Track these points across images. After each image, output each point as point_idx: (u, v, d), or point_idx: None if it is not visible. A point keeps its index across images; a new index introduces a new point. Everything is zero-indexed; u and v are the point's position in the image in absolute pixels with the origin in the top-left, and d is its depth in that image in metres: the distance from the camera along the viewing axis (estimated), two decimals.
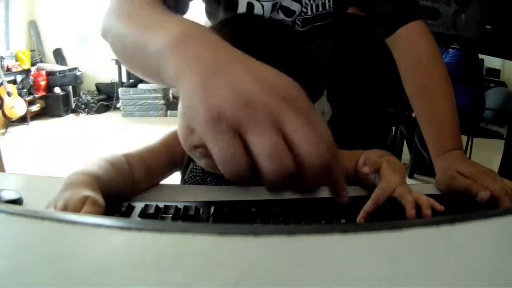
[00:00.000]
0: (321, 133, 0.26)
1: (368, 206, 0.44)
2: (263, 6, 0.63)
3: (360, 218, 0.44)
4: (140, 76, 0.37)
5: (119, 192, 0.47)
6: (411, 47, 0.65)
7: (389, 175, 0.46)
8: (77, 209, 0.36)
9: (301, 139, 0.25)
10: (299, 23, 0.67)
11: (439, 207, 0.43)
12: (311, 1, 0.65)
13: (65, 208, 0.36)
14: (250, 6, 0.63)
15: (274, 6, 0.64)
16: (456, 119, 0.61)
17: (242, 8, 0.63)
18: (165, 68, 0.30)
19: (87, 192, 0.38)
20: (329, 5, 0.66)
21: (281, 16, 0.65)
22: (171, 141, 0.56)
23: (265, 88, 0.26)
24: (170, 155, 0.57)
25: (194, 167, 0.59)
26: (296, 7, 0.65)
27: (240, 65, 0.27)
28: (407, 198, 0.43)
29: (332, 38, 0.76)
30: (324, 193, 0.52)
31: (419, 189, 0.59)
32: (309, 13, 0.66)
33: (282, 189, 0.28)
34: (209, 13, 0.70)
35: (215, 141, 0.25)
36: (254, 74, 0.27)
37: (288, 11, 0.65)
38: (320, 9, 0.66)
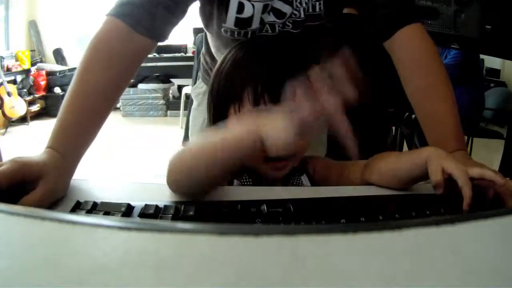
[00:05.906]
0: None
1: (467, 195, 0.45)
2: (253, 6, 0.63)
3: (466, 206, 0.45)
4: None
5: None
6: (410, 51, 0.65)
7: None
8: None
9: None
10: (289, 24, 0.67)
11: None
12: (303, 4, 0.65)
13: None
14: (240, 5, 0.63)
15: (265, 7, 0.63)
16: (458, 120, 0.61)
17: (233, 7, 0.63)
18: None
19: None
20: (320, 8, 0.66)
21: (272, 17, 0.65)
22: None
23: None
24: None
25: (244, 182, 0.61)
26: (287, 9, 0.65)
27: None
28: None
29: (332, 38, 0.76)
30: (324, 193, 0.52)
31: (419, 189, 0.59)
32: (300, 15, 0.66)
33: None
34: (205, 16, 0.70)
35: None
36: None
37: (279, 13, 0.65)
38: (311, 10, 0.66)
